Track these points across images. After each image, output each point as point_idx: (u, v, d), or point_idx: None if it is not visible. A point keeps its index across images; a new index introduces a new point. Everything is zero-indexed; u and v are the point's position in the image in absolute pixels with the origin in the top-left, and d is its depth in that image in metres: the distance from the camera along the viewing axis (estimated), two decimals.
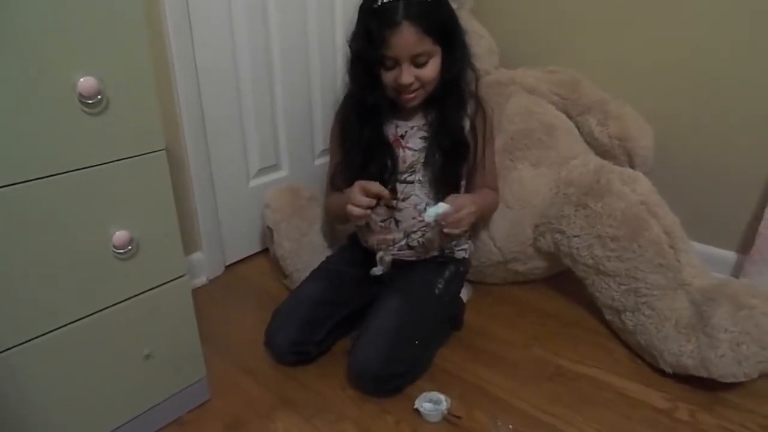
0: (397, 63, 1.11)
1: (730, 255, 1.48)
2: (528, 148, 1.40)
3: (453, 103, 1.20)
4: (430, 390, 1.10)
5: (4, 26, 0.71)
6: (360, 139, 1.22)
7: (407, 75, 1.11)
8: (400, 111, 1.23)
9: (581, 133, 1.50)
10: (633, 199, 1.19)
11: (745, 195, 1.42)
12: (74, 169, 0.81)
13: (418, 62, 1.11)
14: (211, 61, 1.44)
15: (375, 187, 1.11)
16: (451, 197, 1.12)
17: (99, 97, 0.79)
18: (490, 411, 1.08)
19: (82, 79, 0.77)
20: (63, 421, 0.90)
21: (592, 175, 1.26)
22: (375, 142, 1.22)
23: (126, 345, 0.94)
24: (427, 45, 1.10)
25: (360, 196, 1.11)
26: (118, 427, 0.97)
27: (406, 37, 1.07)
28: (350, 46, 1.18)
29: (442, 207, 1.09)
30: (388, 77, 1.14)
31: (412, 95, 1.16)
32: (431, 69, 1.13)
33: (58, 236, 0.81)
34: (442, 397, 1.07)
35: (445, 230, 1.10)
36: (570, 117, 1.51)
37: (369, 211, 1.13)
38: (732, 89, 1.39)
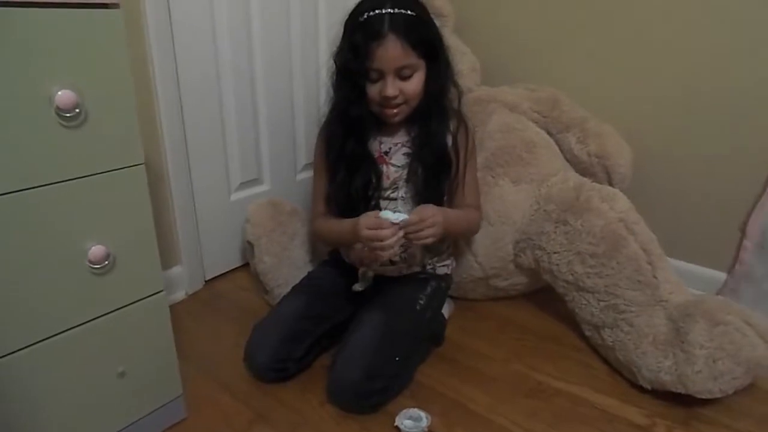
0: (381, 76, 1.12)
1: (708, 272, 1.50)
2: (509, 165, 1.41)
3: (436, 119, 1.21)
4: (411, 407, 1.09)
5: None
6: (344, 153, 1.22)
7: (392, 88, 1.12)
8: (384, 127, 1.24)
9: (562, 151, 1.52)
10: (612, 217, 1.21)
11: (723, 212, 1.45)
12: (50, 182, 0.80)
13: (402, 75, 1.12)
14: (193, 74, 1.43)
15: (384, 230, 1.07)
16: (419, 207, 1.11)
17: (77, 110, 0.79)
18: (470, 427, 1.08)
19: (59, 92, 0.76)
20: None
21: (572, 192, 1.28)
22: (359, 157, 1.22)
23: (99, 362, 0.92)
24: (412, 58, 1.11)
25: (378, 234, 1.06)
26: None
27: (391, 50, 1.08)
28: (335, 61, 1.18)
29: (400, 216, 1.07)
30: (372, 90, 1.15)
31: (396, 110, 1.16)
32: (415, 83, 1.14)
33: (33, 250, 0.80)
34: (422, 414, 1.07)
35: (409, 238, 1.08)
36: (550, 134, 1.53)
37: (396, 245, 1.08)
38: (712, 108, 1.42)
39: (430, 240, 1.10)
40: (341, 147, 1.22)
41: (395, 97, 1.13)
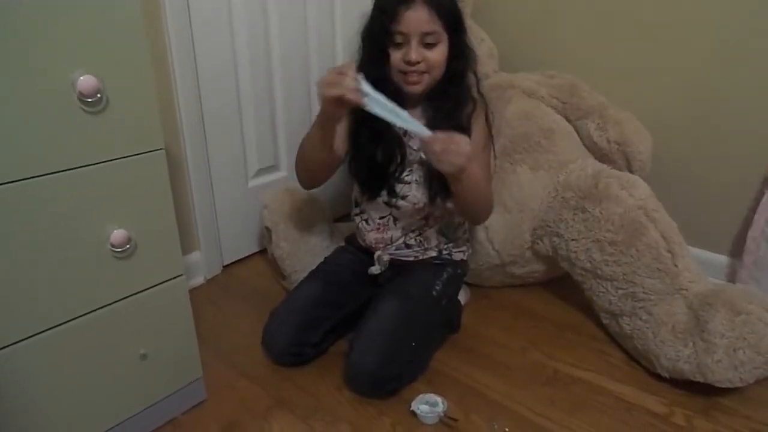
0: (406, 40, 1.12)
1: (723, 259, 1.48)
2: (527, 152, 1.40)
3: (454, 98, 1.19)
4: (427, 392, 1.10)
5: (5, 24, 0.71)
6: (368, 126, 1.18)
7: (415, 52, 1.11)
8: (403, 105, 1.22)
9: (580, 137, 1.50)
10: (631, 204, 1.19)
11: (738, 200, 1.43)
12: (73, 167, 0.81)
13: (426, 42, 1.12)
14: (210, 61, 1.44)
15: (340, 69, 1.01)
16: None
17: (98, 95, 0.79)
18: (487, 414, 1.08)
19: (81, 78, 0.77)
20: (57, 421, 0.89)
21: (591, 179, 1.27)
22: (384, 131, 1.19)
23: (122, 344, 0.94)
24: (437, 26, 1.11)
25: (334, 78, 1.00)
26: (113, 427, 0.97)
27: (419, 14, 1.09)
28: (363, 33, 1.18)
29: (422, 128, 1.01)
30: (396, 56, 1.14)
31: (417, 78, 1.15)
32: (438, 53, 1.13)
33: (56, 234, 0.81)
34: (438, 399, 1.07)
35: (432, 152, 1.02)
36: (569, 121, 1.52)
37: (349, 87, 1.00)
38: (726, 98, 1.39)
39: (449, 166, 1.02)
40: (365, 122, 1.18)
41: (418, 63, 1.13)
